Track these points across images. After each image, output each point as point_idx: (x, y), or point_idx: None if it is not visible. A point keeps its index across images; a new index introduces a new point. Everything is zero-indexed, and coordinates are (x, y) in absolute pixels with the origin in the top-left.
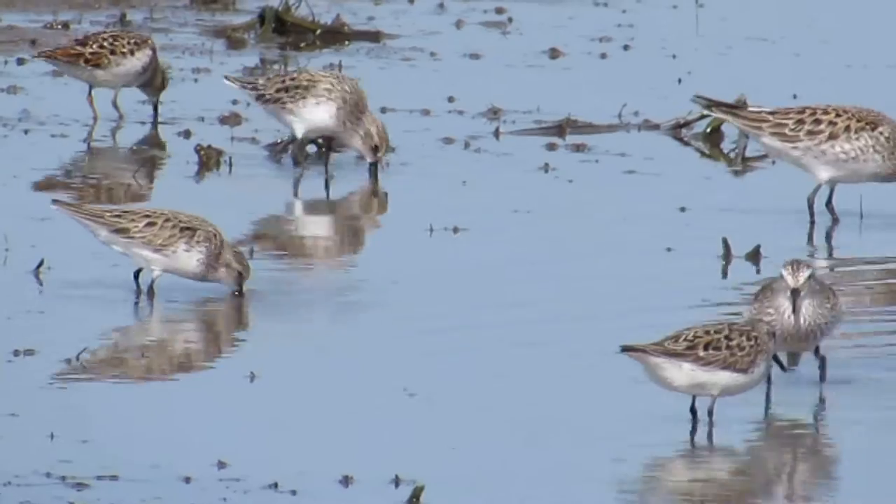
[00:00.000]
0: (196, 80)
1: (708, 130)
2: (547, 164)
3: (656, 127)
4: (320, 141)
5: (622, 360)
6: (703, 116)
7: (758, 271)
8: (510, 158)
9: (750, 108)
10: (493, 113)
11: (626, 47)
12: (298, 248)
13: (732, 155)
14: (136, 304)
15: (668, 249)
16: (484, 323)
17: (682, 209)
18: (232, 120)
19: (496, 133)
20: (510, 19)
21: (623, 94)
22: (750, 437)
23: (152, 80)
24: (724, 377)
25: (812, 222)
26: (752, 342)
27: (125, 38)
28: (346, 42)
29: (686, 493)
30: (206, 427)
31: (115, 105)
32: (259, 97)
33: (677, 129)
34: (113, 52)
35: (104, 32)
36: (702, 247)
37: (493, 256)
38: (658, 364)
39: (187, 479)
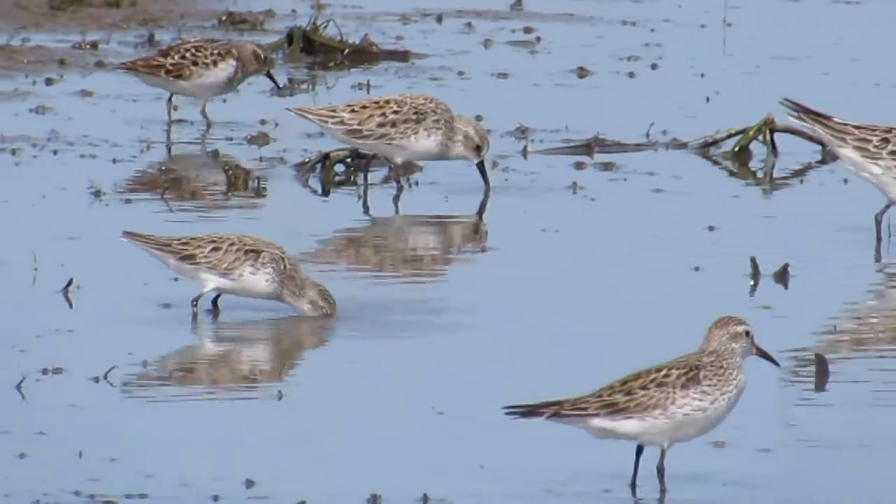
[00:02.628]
0: (224, 101)
1: (736, 149)
2: (575, 183)
3: (684, 146)
4: (349, 160)
5: None
6: (731, 135)
7: (786, 290)
8: (538, 177)
9: (835, 120)
10: (522, 132)
11: (654, 66)
12: (325, 267)
13: (761, 174)
14: (221, 324)
15: (696, 269)
16: (511, 341)
17: (711, 228)
18: (260, 140)
19: (524, 152)
20: (538, 38)
21: (651, 112)
22: None
23: (245, 78)
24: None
25: (879, 238)
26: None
27: (208, 48)
28: (375, 61)
29: None
30: (234, 445)
31: (203, 114)
32: (352, 132)
33: (705, 148)
34: (195, 64)
35: (188, 43)
36: (730, 266)
37: (520, 275)
38: None
39: (216, 498)
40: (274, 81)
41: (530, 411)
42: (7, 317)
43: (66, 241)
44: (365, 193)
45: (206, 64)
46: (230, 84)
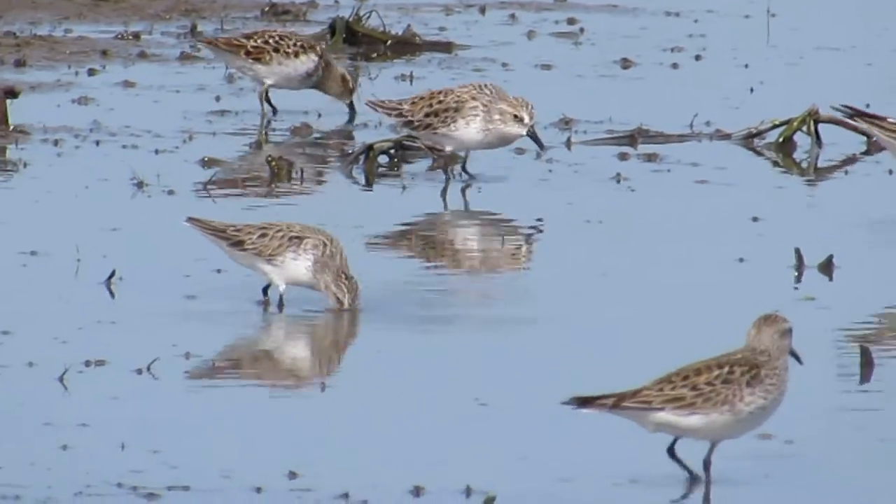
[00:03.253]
0: (267, 91)
1: (780, 140)
2: (619, 174)
3: (728, 137)
4: (392, 151)
5: None
6: (774, 126)
7: (830, 281)
8: (582, 168)
9: (889, 120)
10: (565, 123)
11: (697, 57)
12: (369, 258)
13: (805, 165)
14: (264, 315)
15: (741, 260)
16: (555, 332)
17: (755, 219)
18: (303, 131)
19: (568, 143)
20: (582, 30)
21: (695, 103)
22: None
23: (325, 86)
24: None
25: None
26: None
27: (293, 39)
28: (418, 53)
29: None
30: (276, 437)
31: (261, 100)
32: (407, 123)
33: (749, 139)
34: (276, 51)
35: (275, 31)
36: (774, 257)
37: (564, 267)
38: None
39: (258, 490)
40: (352, 112)
41: (588, 402)
42: (50, 308)
43: (108, 233)
44: (445, 191)
45: (287, 53)
46: (308, 79)
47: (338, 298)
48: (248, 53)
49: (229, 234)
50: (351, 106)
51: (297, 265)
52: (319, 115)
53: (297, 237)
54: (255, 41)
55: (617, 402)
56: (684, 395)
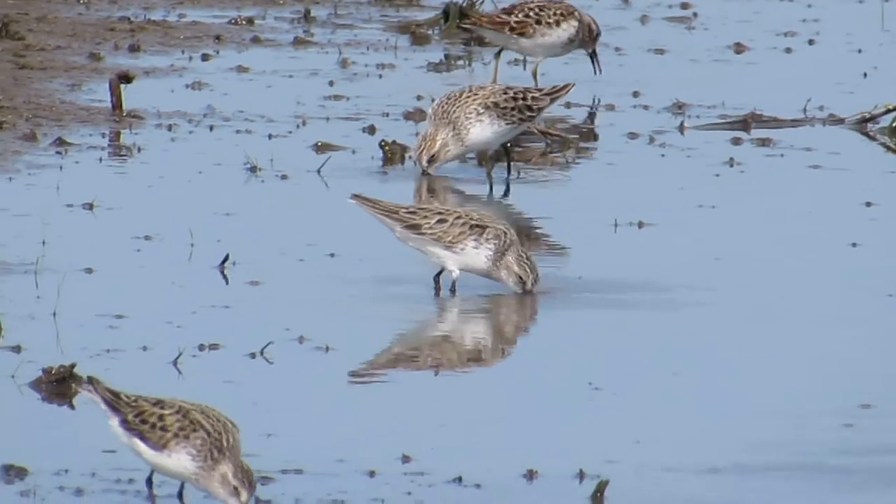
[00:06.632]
0: (380, 77)
1: (894, 125)
2: (732, 159)
3: (842, 121)
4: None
5: (813, 360)
6: (888, 111)
7: None
8: (695, 153)
9: None
10: (678, 108)
11: (811, 42)
12: None
13: None
14: (436, 302)
15: (854, 245)
16: (668, 318)
17: (868, 204)
18: (416, 115)
19: (681, 128)
20: (695, 14)
21: (808, 88)
22: None
23: (584, 45)
24: None
25: None
26: None
27: (552, 8)
28: None
29: None
30: (390, 421)
31: (534, 75)
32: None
33: (863, 124)
34: (538, 22)
35: (531, 2)
36: (887, 242)
37: (677, 251)
38: None
39: (371, 473)
40: (596, 64)
41: None
42: (164, 293)
43: (221, 217)
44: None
45: (549, 23)
46: (569, 45)
47: (520, 278)
48: (511, 29)
49: (403, 217)
50: (594, 54)
51: (478, 254)
52: (433, 99)
53: (478, 226)
54: (517, 16)
55: None
56: None
